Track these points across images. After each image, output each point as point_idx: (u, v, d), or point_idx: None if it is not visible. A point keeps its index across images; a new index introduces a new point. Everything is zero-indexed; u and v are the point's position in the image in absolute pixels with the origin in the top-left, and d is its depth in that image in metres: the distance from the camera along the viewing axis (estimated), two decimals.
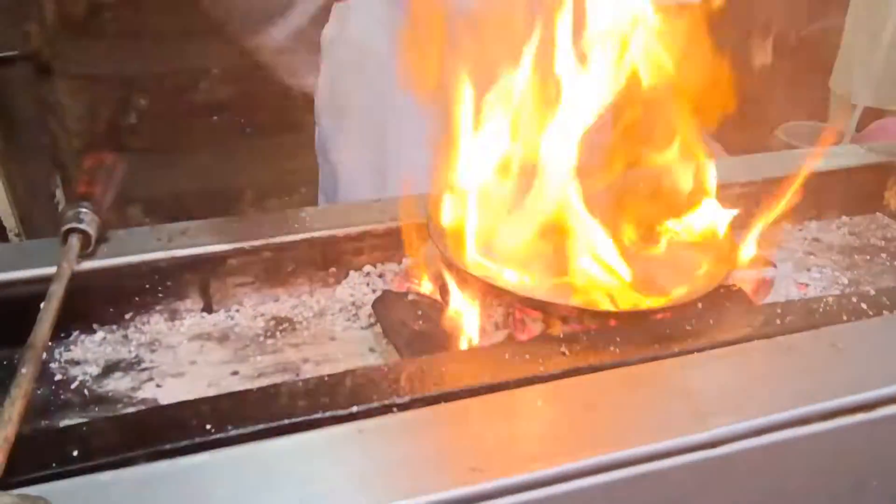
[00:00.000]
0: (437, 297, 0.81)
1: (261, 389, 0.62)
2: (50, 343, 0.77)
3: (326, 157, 1.30)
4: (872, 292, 0.78)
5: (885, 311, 0.75)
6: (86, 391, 0.73)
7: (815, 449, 0.62)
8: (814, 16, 3.56)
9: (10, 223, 1.93)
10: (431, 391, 0.62)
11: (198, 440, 0.56)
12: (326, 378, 0.63)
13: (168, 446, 0.55)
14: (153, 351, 0.79)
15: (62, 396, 0.72)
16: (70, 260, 0.74)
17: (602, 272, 0.79)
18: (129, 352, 0.79)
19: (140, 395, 0.73)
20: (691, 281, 0.77)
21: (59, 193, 2.33)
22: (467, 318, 0.74)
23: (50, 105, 2.36)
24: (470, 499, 0.52)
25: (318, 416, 0.59)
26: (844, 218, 1.10)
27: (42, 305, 0.68)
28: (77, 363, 0.77)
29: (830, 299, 0.76)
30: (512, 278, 0.76)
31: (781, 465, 0.62)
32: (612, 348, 0.67)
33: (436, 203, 0.81)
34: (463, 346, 0.73)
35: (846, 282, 0.94)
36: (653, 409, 0.60)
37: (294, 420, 0.58)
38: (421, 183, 0.84)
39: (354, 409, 0.59)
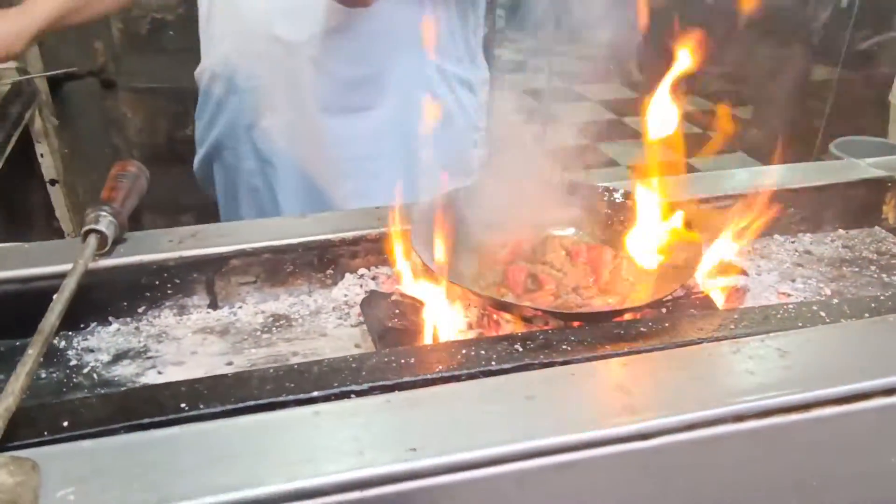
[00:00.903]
0: (421, 298, 0.87)
1: (235, 375, 0.69)
2: (69, 332, 0.86)
3: None
4: (835, 301, 0.81)
5: (842, 319, 0.77)
6: (95, 375, 0.81)
7: (749, 446, 0.66)
8: (873, 30, 3.51)
9: (69, 227, 2.06)
10: (388, 380, 0.67)
11: (172, 416, 0.63)
12: (296, 366, 0.70)
13: (146, 420, 0.62)
14: (160, 342, 0.87)
15: (74, 380, 0.81)
16: (86, 257, 0.83)
17: (570, 277, 0.83)
18: (139, 342, 0.87)
19: (142, 380, 0.81)
20: (651, 287, 0.80)
21: None
22: (438, 317, 0.80)
23: (113, 117, 2.50)
24: (405, 476, 0.58)
25: (282, 398, 0.65)
26: (841, 231, 1.11)
27: (55, 297, 0.76)
28: (91, 351, 0.85)
29: (790, 307, 0.79)
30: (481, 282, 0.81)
31: (716, 460, 0.66)
32: (563, 347, 0.72)
33: (418, 212, 0.87)
34: (430, 341, 0.78)
35: (829, 293, 0.96)
36: (588, 402, 0.65)
37: (259, 402, 0.65)
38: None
39: (315, 393, 0.66)
